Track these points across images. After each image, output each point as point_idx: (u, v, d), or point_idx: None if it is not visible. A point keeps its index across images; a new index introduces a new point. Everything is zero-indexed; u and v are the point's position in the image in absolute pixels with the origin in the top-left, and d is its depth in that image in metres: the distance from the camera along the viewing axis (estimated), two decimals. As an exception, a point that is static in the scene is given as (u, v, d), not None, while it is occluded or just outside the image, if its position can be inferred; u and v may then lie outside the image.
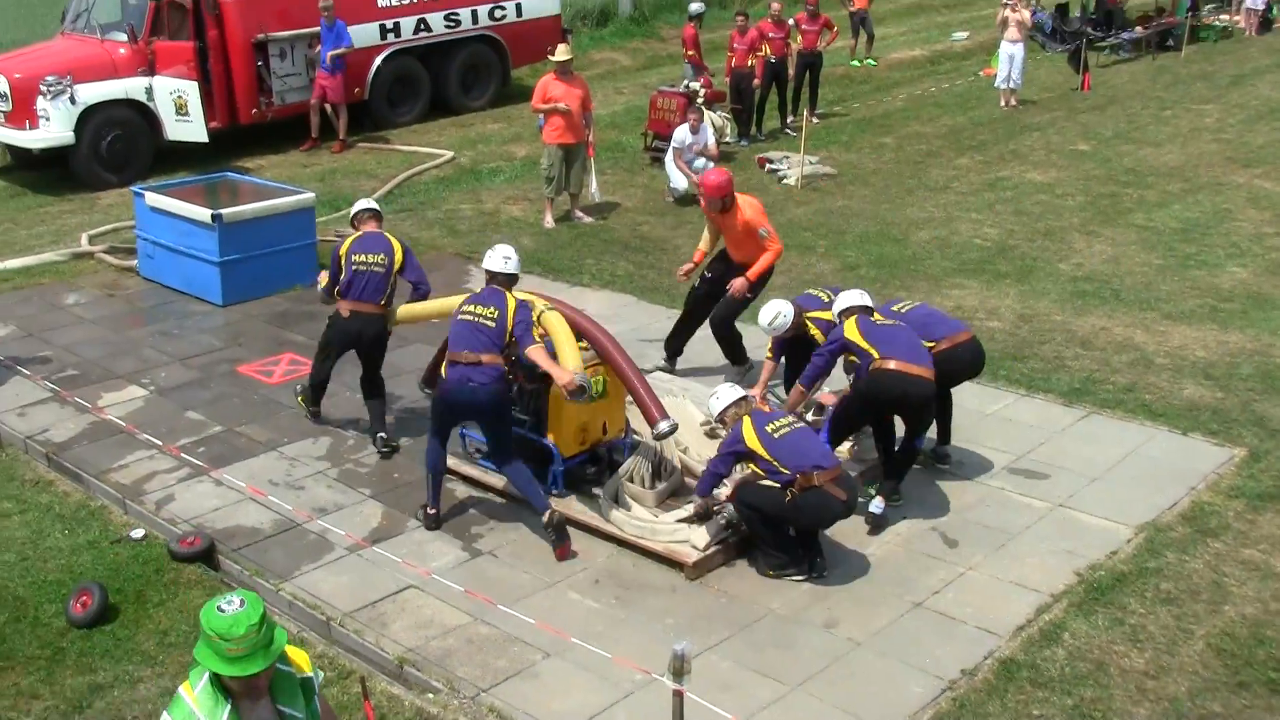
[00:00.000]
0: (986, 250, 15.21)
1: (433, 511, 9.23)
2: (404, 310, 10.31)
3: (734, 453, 8.53)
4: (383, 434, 10.39)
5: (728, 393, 8.82)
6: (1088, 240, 15.40)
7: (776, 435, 8.41)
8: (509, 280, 9.10)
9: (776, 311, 10.00)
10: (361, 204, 10.75)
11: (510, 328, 8.75)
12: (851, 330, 9.13)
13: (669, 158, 17.29)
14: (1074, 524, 9.16)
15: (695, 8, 21.39)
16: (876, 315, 9.33)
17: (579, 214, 16.53)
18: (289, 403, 11.27)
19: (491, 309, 8.83)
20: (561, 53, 16.24)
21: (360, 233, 10.33)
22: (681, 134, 16.96)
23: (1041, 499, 9.51)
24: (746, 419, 8.52)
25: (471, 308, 8.91)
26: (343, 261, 10.10)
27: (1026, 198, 17.44)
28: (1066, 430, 10.59)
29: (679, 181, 17.01)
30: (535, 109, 16.45)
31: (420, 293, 10.24)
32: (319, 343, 10.67)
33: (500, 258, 9.11)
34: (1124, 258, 14.85)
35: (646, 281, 14.18)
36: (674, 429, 9.06)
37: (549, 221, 16.36)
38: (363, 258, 10.08)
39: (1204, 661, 7.65)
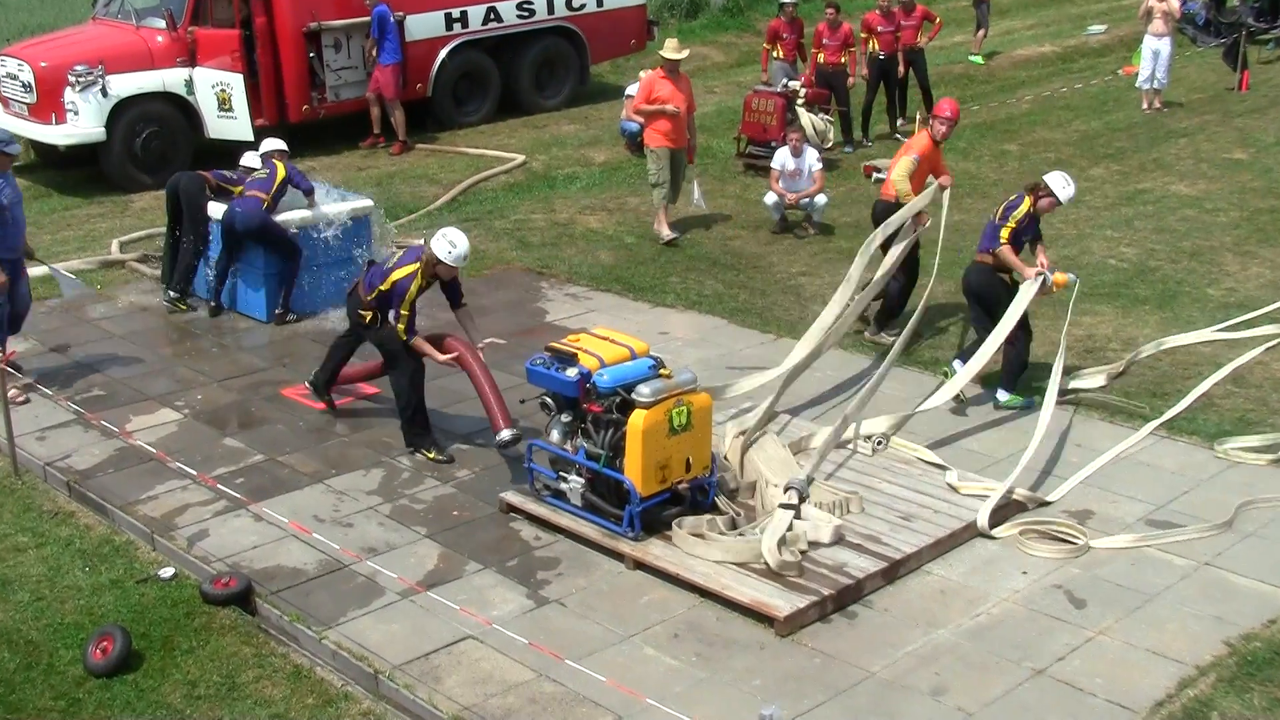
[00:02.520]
0: (1123, 272, 15.07)
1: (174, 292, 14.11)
2: None
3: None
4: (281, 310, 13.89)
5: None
6: (1242, 262, 15.19)
7: None
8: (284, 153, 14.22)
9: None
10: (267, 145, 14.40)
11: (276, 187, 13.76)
12: None
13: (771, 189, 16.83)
14: (1223, 586, 9.01)
15: None
16: None
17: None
18: (339, 431, 11.42)
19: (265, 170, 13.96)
20: (671, 49, 16.20)
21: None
22: (781, 157, 16.60)
23: (1184, 556, 9.35)
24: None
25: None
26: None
27: (1170, 213, 17.24)
28: (1214, 478, 10.43)
29: (776, 210, 16.72)
30: (637, 110, 16.40)
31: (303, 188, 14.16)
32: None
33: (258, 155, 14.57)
34: (1285, 282, 14.64)
35: (738, 302, 14.18)
36: (517, 439, 10.33)
37: (666, 232, 16.19)
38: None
39: (1377, 750, 7.50)
